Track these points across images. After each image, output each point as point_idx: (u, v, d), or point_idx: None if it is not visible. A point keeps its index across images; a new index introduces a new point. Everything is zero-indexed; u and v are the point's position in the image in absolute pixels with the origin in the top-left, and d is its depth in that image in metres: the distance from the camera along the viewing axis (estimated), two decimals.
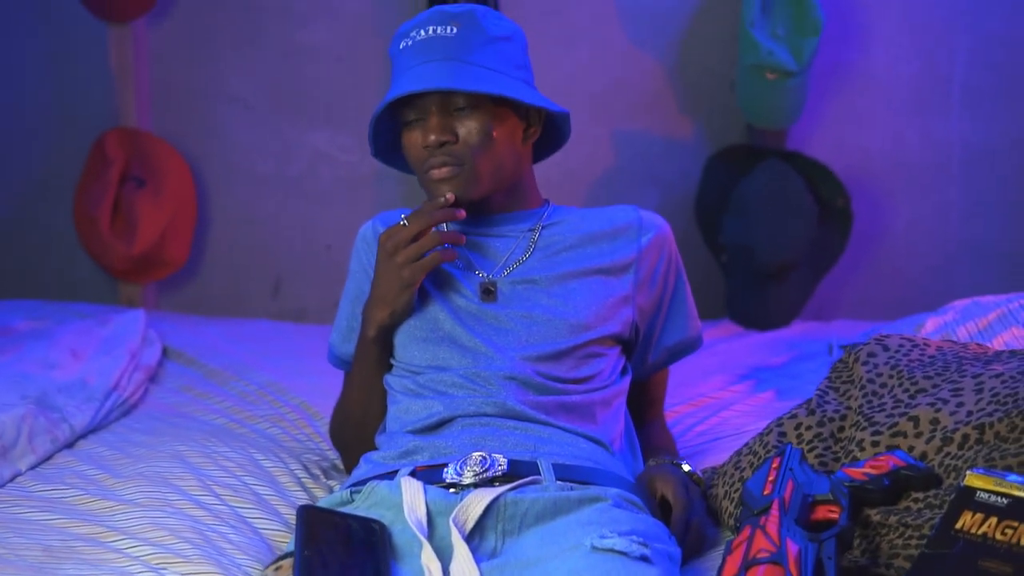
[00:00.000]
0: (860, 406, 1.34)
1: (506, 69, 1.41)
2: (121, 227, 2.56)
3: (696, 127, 2.66)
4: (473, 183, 1.40)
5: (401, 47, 1.40)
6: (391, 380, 1.49)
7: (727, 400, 1.97)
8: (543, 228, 1.48)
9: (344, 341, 1.56)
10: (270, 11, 2.68)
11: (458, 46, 1.39)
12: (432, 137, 1.37)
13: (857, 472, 1.21)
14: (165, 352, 2.27)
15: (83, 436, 1.78)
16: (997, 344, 1.76)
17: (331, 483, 1.63)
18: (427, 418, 1.41)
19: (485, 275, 1.45)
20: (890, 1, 2.61)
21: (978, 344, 1.56)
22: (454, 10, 1.40)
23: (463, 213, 1.42)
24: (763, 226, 2.42)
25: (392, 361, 1.50)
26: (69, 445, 1.74)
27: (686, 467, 1.44)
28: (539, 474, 1.30)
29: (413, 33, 1.40)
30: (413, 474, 1.31)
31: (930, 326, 1.99)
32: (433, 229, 1.43)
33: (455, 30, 1.38)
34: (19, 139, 2.77)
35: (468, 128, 1.39)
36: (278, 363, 2.23)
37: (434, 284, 1.47)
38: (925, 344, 1.51)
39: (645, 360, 1.56)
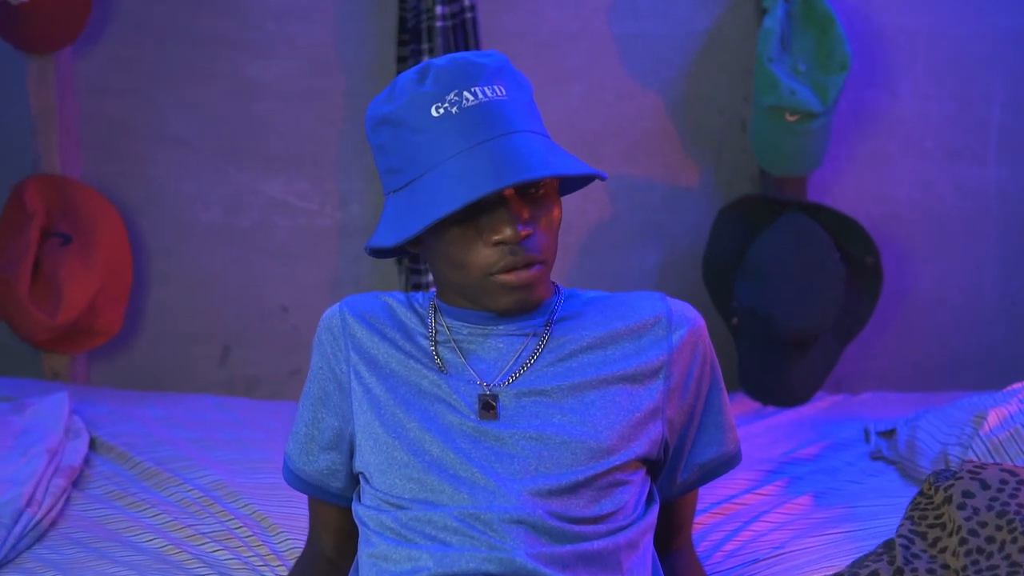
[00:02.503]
0: (964, 567, 1.12)
1: (544, 129, 1.29)
2: (43, 292, 2.41)
3: (703, 173, 2.58)
4: (545, 285, 1.31)
5: (438, 114, 1.23)
6: (364, 513, 1.32)
7: (757, 507, 1.81)
8: (554, 324, 1.32)
9: (303, 454, 1.37)
10: (218, 41, 2.58)
11: (518, 113, 1.25)
12: (517, 230, 1.23)
13: None
14: (93, 444, 2.06)
15: None
16: None
17: None
18: (413, 573, 1.23)
19: (484, 385, 1.29)
20: (919, 33, 2.54)
21: None
22: (491, 63, 1.25)
23: None
24: (783, 291, 2.29)
25: (365, 486, 1.31)
26: None
27: None
28: None
29: (452, 97, 1.23)
30: None
31: (993, 419, 1.82)
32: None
33: (504, 91, 1.24)
34: None
35: (549, 216, 1.27)
36: (226, 455, 2.03)
37: (419, 395, 1.29)
38: None
39: (674, 480, 1.40)
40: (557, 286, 1.38)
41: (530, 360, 1.30)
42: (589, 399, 1.29)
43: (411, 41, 2.40)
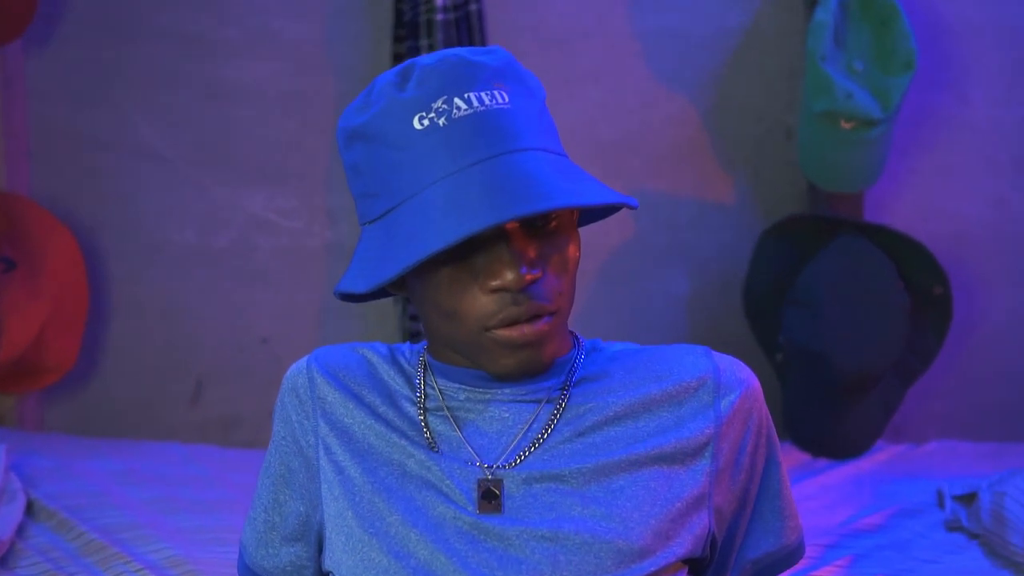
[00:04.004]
0: None
1: (560, 145, 1.16)
2: None
3: (739, 188, 2.56)
4: (558, 339, 1.15)
5: (421, 126, 1.11)
6: None
7: None
8: (573, 386, 1.18)
9: (262, 546, 1.25)
10: (191, 39, 2.56)
11: (524, 125, 1.11)
12: (521, 274, 1.09)
13: None
14: (30, 509, 1.91)
15: None
16: None
17: None
18: None
19: (485, 467, 1.15)
20: (989, 28, 2.53)
21: None
22: (490, 62, 1.12)
23: None
24: (838, 326, 2.24)
25: None
26: None
27: None
28: None
29: (440, 104, 1.11)
30: None
31: None
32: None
33: (507, 97, 1.11)
34: None
35: (563, 255, 1.13)
36: (188, 522, 1.90)
37: (403, 480, 1.17)
38: None
39: None
40: (576, 337, 1.22)
41: (543, 434, 1.16)
42: (617, 486, 1.15)
43: (408, 37, 2.38)
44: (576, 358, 1.19)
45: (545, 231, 1.11)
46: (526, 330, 1.10)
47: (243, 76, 2.53)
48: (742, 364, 1.22)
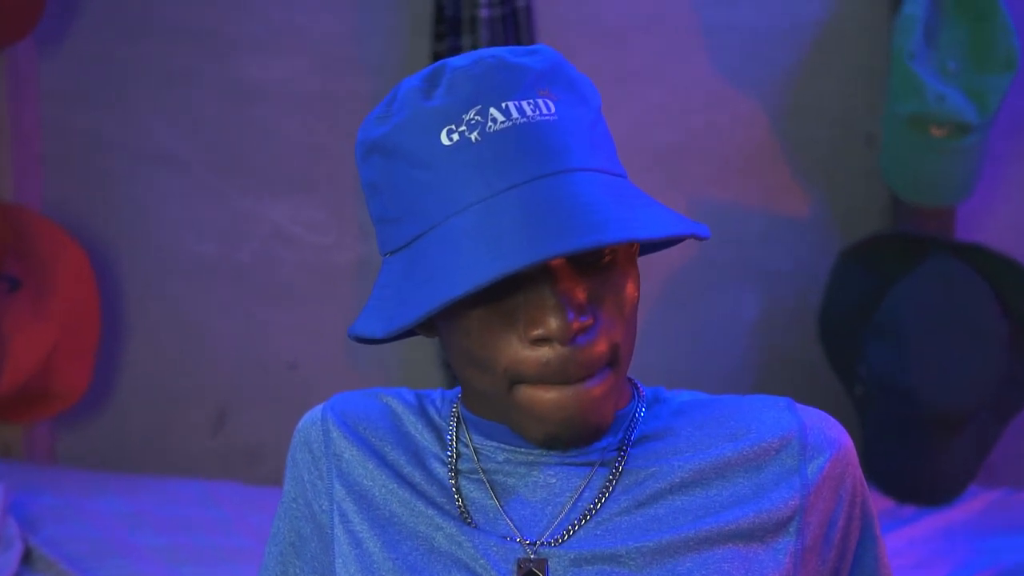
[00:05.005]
0: None
1: (617, 163, 1.05)
2: None
3: (814, 201, 2.52)
4: (615, 398, 1.03)
5: (450, 141, 1.01)
6: None
7: None
8: (632, 447, 1.08)
9: None
10: (210, 37, 2.52)
11: (574, 140, 1.00)
12: (567, 321, 0.97)
13: None
14: (27, 557, 1.87)
15: None
16: None
17: None
18: None
19: (527, 544, 1.05)
20: None
21: None
22: (534, 64, 1.01)
23: None
24: (929, 357, 2.18)
25: None
26: None
27: None
28: None
29: (472, 116, 1.00)
30: None
31: None
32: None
33: (553, 107, 1.00)
34: None
35: (619, 296, 1.02)
36: (199, 571, 1.86)
37: (430, 557, 1.07)
38: None
39: None
40: (636, 385, 1.12)
41: (596, 505, 1.05)
42: (684, 569, 1.04)
43: (449, 34, 2.33)
44: (635, 411, 1.08)
45: (598, 268, 0.99)
46: (573, 394, 0.98)
47: (267, 75, 2.52)
48: (832, 420, 1.11)
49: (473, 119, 0.99)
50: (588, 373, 0.98)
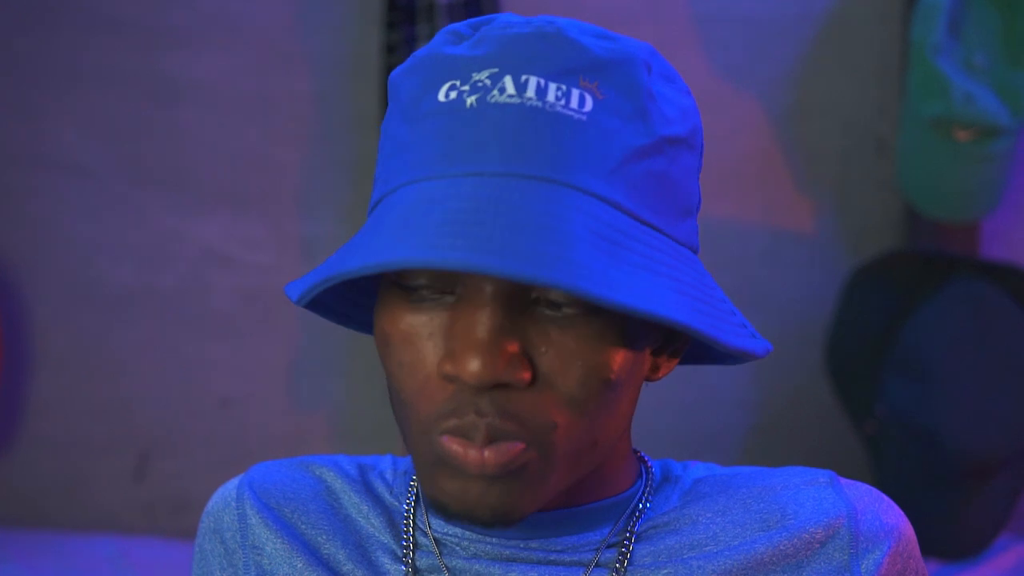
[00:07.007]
0: None
1: (680, 227, 0.93)
2: None
3: (821, 215, 2.46)
4: (543, 485, 0.89)
5: (446, 98, 0.92)
6: None
7: None
8: (638, 539, 0.97)
9: None
10: (127, 28, 2.45)
11: (591, 154, 0.87)
12: (480, 366, 0.84)
13: None
14: None
15: None
16: None
17: None
18: None
19: None
20: None
21: None
22: (603, 50, 0.89)
23: None
24: (955, 394, 2.10)
25: None
26: None
27: None
28: None
29: (483, 78, 0.90)
30: None
31: None
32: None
33: (590, 105, 0.87)
34: None
35: (585, 364, 0.87)
36: None
37: None
38: None
39: None
40: (643, 459, 1.01)
41: None
42: None
43: (404, 22, 2.29)
44: (640, 494, 0.94)
45: (561, 318, 0.84)
46: (476, 455, 0.84)
47: (193, 72, 2.43)
48: (887, 500, 0.99)
49: (482, 81, 0.87)
50: (491, 438, 0.85)
